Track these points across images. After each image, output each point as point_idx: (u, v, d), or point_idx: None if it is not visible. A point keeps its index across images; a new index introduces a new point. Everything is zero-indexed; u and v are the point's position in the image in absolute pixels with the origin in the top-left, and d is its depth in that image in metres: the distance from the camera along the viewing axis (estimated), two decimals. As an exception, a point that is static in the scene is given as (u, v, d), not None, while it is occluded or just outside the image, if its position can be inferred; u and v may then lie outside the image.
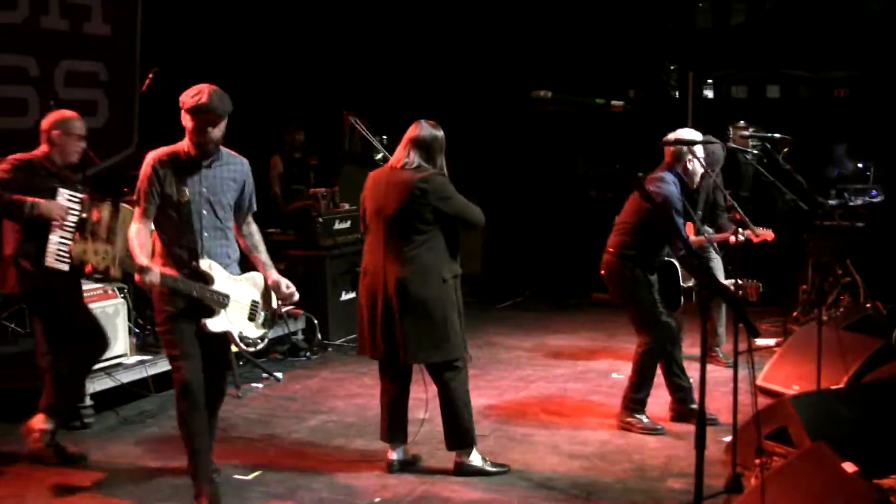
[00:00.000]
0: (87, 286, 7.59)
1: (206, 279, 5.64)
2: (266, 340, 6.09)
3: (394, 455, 6.49)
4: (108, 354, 7.62)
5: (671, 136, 7.33)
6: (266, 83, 12.20)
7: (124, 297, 7.97)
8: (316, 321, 9.98)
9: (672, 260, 7.51)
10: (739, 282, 7.73)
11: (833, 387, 6.97)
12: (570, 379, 8.96)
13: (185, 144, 5.69)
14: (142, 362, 7.94)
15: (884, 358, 7.54)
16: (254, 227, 6.11)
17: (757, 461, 5.71)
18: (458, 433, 6.42)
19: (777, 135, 7.83)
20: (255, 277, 6.02)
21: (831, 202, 10.79)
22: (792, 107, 16.62)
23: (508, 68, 14.25)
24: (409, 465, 6.54)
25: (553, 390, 8.49)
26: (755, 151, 8.76)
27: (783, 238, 10.40)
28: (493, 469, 6.43)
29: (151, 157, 5.69)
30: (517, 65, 14.21)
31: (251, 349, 5.95)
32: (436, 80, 13.88)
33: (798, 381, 7.67)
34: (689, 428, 6.90)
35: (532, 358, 9.85)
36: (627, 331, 9.33)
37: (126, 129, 11.60)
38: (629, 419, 7.43)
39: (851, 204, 11.48)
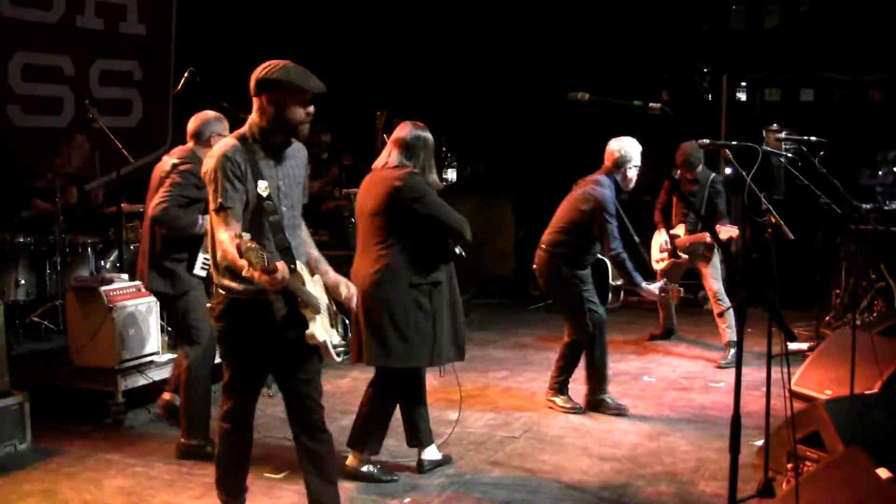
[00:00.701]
0: (118, 285, 7.65)
1: (303, 284, 4.96)
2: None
3: (424, 455, 6.49)
4: (141, 352, 7.69)
5: (614, 143, 7.78)
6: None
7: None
8: (347, 321, 9.97)
9: (603, 258, 7.95)
10: (662, 284, 8.02)
11: (867, 392, 6.92)
12: (601, 381, 8.93)
13: (253, 131, 4.92)
14: (173, 360, 7.94)
15: (918, 363, 7.48)
16: (303, 221, 5.39)
17: (789, 466, 5.69)
18: (359, 436, 6.41)
19: (812, 138, 7.76)
20: (318, 278, 5.32)
21: (866, 206, 10.71)
22: (826, 110, 16.54)
23: (543, 69, 14.24)
24: (440, 466, 6.54)
25: (584, 392, 8.48)
26: (789, 154, 8.70)
27: (817, 241, 10.36)
28: (384, 477, 6.38)
29: (219, 148, 4.83)
30: (552, 66, 14.21)
31: (340, 360, 5.13)
32: (470, 81, 13.89)
33: (831, 385, 7.62)
34: (721, 430, 6.88)
35: (563, 360, 9.82)
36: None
37: (160, 128, 11.69)
38: (552, 398, 8.08)
39: (886, 208, 11.39)
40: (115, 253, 8.59)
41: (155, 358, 7.87)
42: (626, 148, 7.67)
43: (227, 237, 4.58)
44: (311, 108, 4.96)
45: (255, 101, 4.94)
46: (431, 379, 8.70)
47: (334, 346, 5.04)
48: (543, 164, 14.24)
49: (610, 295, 8.35)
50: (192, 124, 7.07)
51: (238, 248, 4.29)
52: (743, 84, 16.82)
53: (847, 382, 6.94)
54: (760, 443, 6.35)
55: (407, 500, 6.04)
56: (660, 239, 10.10)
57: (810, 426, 6.11)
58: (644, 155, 7.75)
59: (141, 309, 7.73)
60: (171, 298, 6.78)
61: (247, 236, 4.34)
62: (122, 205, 8.53)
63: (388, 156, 6.24)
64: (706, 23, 17.54)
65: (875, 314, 10.14)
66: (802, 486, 5.16)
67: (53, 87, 10.47)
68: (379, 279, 6.11)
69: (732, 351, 9.22)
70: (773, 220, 6.90)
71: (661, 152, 9.99)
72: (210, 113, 7.16)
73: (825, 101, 17.11)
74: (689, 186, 9.82)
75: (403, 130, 6.25)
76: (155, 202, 6.52)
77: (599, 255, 7.97)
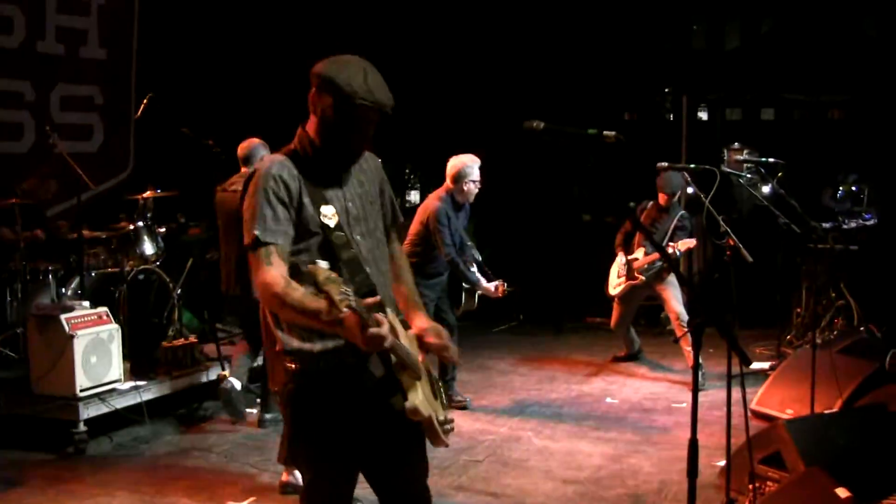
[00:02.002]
0: (80, 312, 7.61)
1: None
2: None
3: None
4: (103, 380, 7.65)
5: (452, 160, 8.49)
6: (261, 106, 12.21)
7: (118, 322, 7.96)
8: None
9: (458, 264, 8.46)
10: (497, 283, 8.64)
11: (827, 411, 6.97)
12: (564, 403, 8.95)
13: (304, 142, 3.83)
14: (136, 388, 7.90)
15: (878, 381, 7.53)
16: (398, 247, 4.27)
17: (751, 486, 5.73)
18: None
19: (771, 159, 7.84)
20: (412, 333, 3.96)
21: (825, 225, 10.81)
22: (786, 129, 16.65)
23: (506, 91, 14.29)
24: None
25: (547, 414, 8.48)
26: (748, 175, 8.78)
27: (777, 261, 10.43)
28: None
29: (260, 165, 3.75)
30: (514, 88, 14.25)
31: (447, 437, 3.86)
32: (434, 103, 13.92)
33: (792, 405, 7.66)
34: (684, 452, 6.89)
35: (526, 382, 9.84)
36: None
37: (122, 153, 11.64)
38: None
39: (845, 227, 11.50)
40: (77, 280, 8.54)
41: (117, 386, 7.81)
42: (462, 165, 8.39)
43: (273, 276, 3.51)
44: (370, 125, 3.76)
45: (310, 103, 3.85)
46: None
47: (440, 423, 3.79)
48: (506, 187, 14.28)
49: (464, 298, 8.85)
50: (241, 151, 7.79)
51: (314, 278, 3.15)
52: (704, 104, 16.95)
53: (808, 401, 6.99)
54: (723, 463, 6.38)
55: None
56: (618, 263, 10.13)
57: (771, 446, 6.15)
58: (603, 178, 7.80)
59: (103, 336, 7.69)
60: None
61: (324, 264, 3.21)
62: (84, 231, 8.49)
63: None
64: (668, 43, 17.64)
65: (836, 333, 10.21)
66: (763, 507, 5.21)
67: (13, 113, 10.40)
68: None
69: (700, 371, 9.27)
70: (732, 242, 6.96)
71: (622, 175, 10.06)
72: (256, 140, 7.83)
73: (786, 121, 17.25)
74: (657, 214, 9.88)
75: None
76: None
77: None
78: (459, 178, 8.38)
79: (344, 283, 3.20)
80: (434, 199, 8.48)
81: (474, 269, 8.61)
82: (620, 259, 10.07)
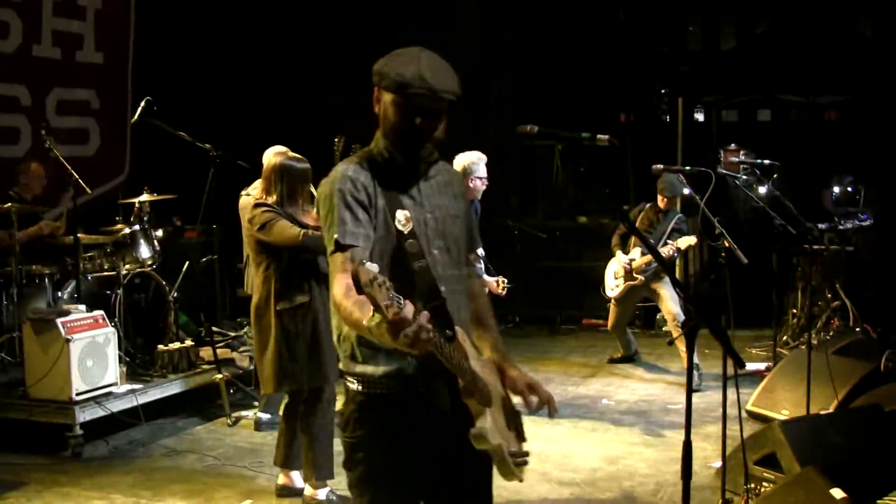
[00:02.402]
0: (76, 316, 7.62)
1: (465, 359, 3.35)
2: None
3: (284, 480, 6.53)
4: (99, 383, 7.66)
5: (459, 157, 8.15)
6: (257, 111, 12.23)
7: (115, 326, 7.97)
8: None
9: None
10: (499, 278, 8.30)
11: (822, 412, 6.98)
12: (560, 405, 8.91)
13: (379, 145, 3.52)
14: (132, 391, 7.91)
15: (873, 382, 7.53)
16: (477, 281, 4.00)
17: (745, 487, 5.74)
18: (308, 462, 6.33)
19: (766, 161, 7.86)
20: (488, 360, 3.66)
21: (821, 226, 10.83)
22: (783, 130, 16.68)
23: (500, 91, 14.31)
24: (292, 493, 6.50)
25: (543, 416, 8.48)
26: (744, 176, 8.80)
27: (773, 261, 10.45)
28: None
29: (337, 168, 3.47)
30: (512, 86, 14.28)
31: (521, 471, 3.49)
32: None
33: (787, 405, 7.68)
34: (680, 453, 6.90)
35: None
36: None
37: (118, 157, 11.65)
38: None
39: (841, 228, 11.51)
40: (73, 284, 8.54)
41: (113, 389, 7.81)
42: (468, 161, 8.12)
43: (338, 284, 3.23)
44: (432, 117, 3.42)
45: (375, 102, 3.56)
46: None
47: (512, 455, 3.41)
48: (499, 189, 14.29)
49: None
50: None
51: (356, 278, 2.77)
52: (700, 105, 16.97)
53: (803, 402, 7.01)
54: (718, 465, 6.39)
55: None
56: (614, 265, 10.12)
57: (766, 447, 6.16)
58: (599, 180, 7.82)
59: (99, 340, 7.69)
60: None
61: (373, 266, 2.75)
62: (79, 235, 8.49)
63: (253, 185, 6.29)
64: (664, 45, 17.66)
65: (831, 333, 10.23)
66: (758, 508, 5.22)
67: (10, 117, 10.40)
68: (256, 309, 6.20)
69: (697, 372, 9.28)
70: (727, 244, 6.98)
71: (618, 177, 10.07)
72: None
73: (782, 122, 17.27)
74: (654, 216, 9.90)
75: (265, 159, 6.31)
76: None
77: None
78: (465, 174, 8.15)
79: (394, 288, 2.80)
80: None
81: (479, 264, 8.52)
82: (617, 260, 10.07)
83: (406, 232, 3.35)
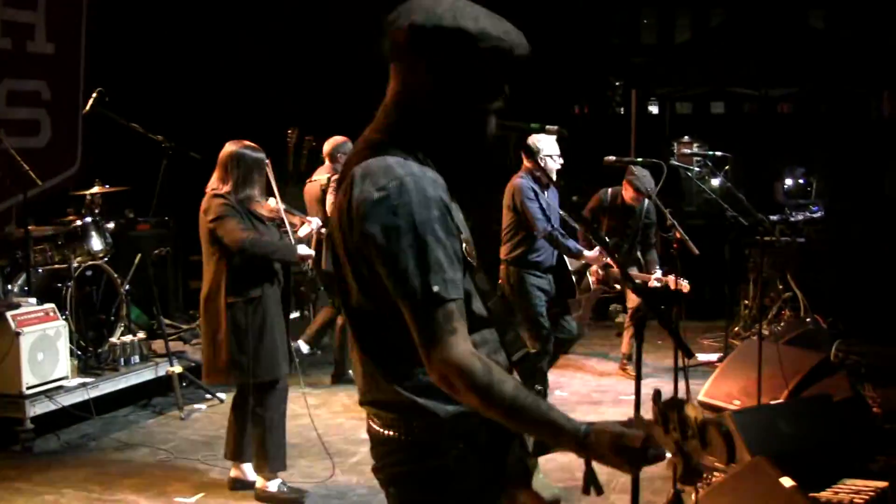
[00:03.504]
0: (26, 309, 7.55)
1: None
2: None
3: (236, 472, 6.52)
4: (50, 377, 7.59)
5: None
6: (210, 102, 12.16)
7: (65, 319, 7.90)
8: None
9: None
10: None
11: (773, 402, 7.04)
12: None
13: (431, 143, 2.69)
14: (83, 385, 7.84)
15: (823, 372, 7.62)
16: None
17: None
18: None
19: (718, 153, 7.91)
20: None
21: (772, 217, 10.92)
22: (736, 123, 16.80)
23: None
24: (245, 486, 6.47)
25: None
26: (697, 168, 8.86)
27: (724, 253, 10.51)
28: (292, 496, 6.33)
29: (418, 183, 2.53)
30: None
31: None
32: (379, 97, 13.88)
33: (739, 395, 7.72)
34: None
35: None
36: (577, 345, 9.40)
37: (70, 148, 11.53)
38: None
39: (792, 219, 11.62)
40: (23, 276, 8.45)
41: (64, 383, 7.74)
42: (535, 140, 7.70)
43: (466, 356, 2.44)
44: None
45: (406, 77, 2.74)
46: (344, 397, 8.72)
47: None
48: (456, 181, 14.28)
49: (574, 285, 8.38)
50: (326, 147, 8.88)
51: (685, 421, 2.43)
52: (654, 98, 17.06)
53: (755, 392, 7.06)
54: (670, 455, 6.43)
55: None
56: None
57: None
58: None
59: (49, 333, 7.62)
60: None
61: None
62: (30, 227, 8.41)
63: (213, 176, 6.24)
64: (618, 37, 17.74)
65: (782, 324, 10.32)
66: (710, 497, 5.26)
67: (-41, 109, 10.30)
68: (206, 299, 6.15)
69: (630, 364, 9.33)
70: (679, 235, 7.01)
71: (571, 169, 10.04)
72: (339, 137, 8.70)
73: (735, 115, 17.40)
74: (621, 210, 9.51)
75: (223, 150, 6.26)
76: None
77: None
78: (534, 154, 7.73)
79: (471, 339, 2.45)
80: (514, 178, 8.03)
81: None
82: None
83: (475, 265, 2.70)
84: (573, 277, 8.36)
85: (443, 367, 2.46)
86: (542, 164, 7.80)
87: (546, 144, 7.79)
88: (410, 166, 2.56)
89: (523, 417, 2.46)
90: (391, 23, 2.63)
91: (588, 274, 9.23)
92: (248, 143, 6.27)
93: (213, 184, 6.18)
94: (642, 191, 9.02)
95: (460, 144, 2.71)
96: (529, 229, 7.87)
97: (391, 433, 2.71)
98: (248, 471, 6.44)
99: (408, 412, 2.66)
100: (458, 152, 2.73)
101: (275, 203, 6.55)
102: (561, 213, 8.21)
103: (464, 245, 2.62)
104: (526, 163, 7.86)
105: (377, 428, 2.76)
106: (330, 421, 8.00)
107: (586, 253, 8.04)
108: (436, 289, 2.46)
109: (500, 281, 8.10)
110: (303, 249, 6.43)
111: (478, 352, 2.50)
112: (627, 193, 9.25)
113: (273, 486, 6.21)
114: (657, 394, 2.47)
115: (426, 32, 2.56)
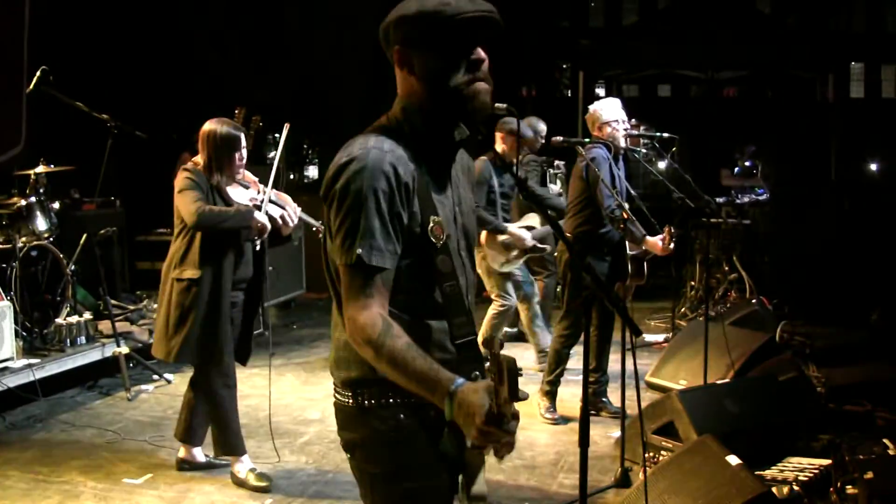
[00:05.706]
0: (-30, 289, 7.48)
1: None
2: None
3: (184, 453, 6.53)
4: (-6, 358, 7.53)
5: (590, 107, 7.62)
6: (156, 80, 12.06)
7: (10, 300, 7.82)
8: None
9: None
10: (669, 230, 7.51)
11: (719, 381, 7.12)
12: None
13: (411, 119, 2.87)
14: (29, 366, 7.76)
15: (769, 352, 7.74)
16: None
17: (644, 456, 5.85)
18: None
19: (665, 134, 7.95)
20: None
21: (718, 200, 11.02)
22: (682, 106, 16.91)
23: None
24: (197, 468, 6.51)
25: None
26: (644, 150, 8.91)
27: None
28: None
29: (374, 155, 2.72)
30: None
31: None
32: (332, 77, 13.85)
33: (685, 376, 7.82)
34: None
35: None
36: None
37: (13, 127, 11.37)
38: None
39: (738, 202, 11.74)
40: (-33, 257, 8.38)
41: (10, 364, 7.66)
42: (597, 109, 7.54)
43: (371, 317, 2.66)
44: (482, 60, 2.80)
45: (397, 68, 2.90)
46: (292, 378, 8.71)
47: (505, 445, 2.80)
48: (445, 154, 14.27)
49: (630, 269, 7.68)
50: None
51: (500, 369, 2.49)
52: (601, 80, 17.13)
53: (701, 373, 7.14)
54: (618, 434, 6.49)
55: (268, 500, 6.01)
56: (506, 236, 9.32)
57: (665, 416, 6.28)
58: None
59: (-6, 314, 7.56)
60: None
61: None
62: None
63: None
64: (565, 19, 17.77)
65: (728, 305, 10.43)
66: (657, 475, 5.31)
67: None
68: (164, 271, 6.12)
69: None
70: (625, 216, 7.05)
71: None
72: None
73: (682, 98, 17.51)
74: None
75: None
76: None
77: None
78: (598, 123, 7.47)
79: (418, 314, 2.68)
80: (589, 148, 7.33)
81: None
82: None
83: (439, 246, 2.79)
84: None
85: (350, 322, 2.70)
86: (609, 133, 7.45)
87: (611, 111, 7.47)
88: (382, 142, 2.75)
89: (406, 370, 2.62)
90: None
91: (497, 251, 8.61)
92: (227, 120, 6.19)
93: (196, 160, 6.14)
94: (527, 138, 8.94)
95: (447, 119, 2.85)
96: (598, 206, 7.28)
97: (345, 401, 2.93)
98: (198, 453, 6.44)
99: (358, 381, 2.87)
100: (447, 126, 2.87)
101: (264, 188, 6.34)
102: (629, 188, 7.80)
103: (430, 225, 2.76)
104: (595, 133, 7.52)
105: (336, 397, 2.99)
106: (279, 401, 7.98)
107: (650, 239, 7.43)
108: (359, 251, 2.66)
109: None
110: (260, 217, 6.05)
111: (392, 320, 2.68)
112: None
113: (242, 470, 6.25)
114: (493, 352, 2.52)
115: (387, 27, 2.82)
